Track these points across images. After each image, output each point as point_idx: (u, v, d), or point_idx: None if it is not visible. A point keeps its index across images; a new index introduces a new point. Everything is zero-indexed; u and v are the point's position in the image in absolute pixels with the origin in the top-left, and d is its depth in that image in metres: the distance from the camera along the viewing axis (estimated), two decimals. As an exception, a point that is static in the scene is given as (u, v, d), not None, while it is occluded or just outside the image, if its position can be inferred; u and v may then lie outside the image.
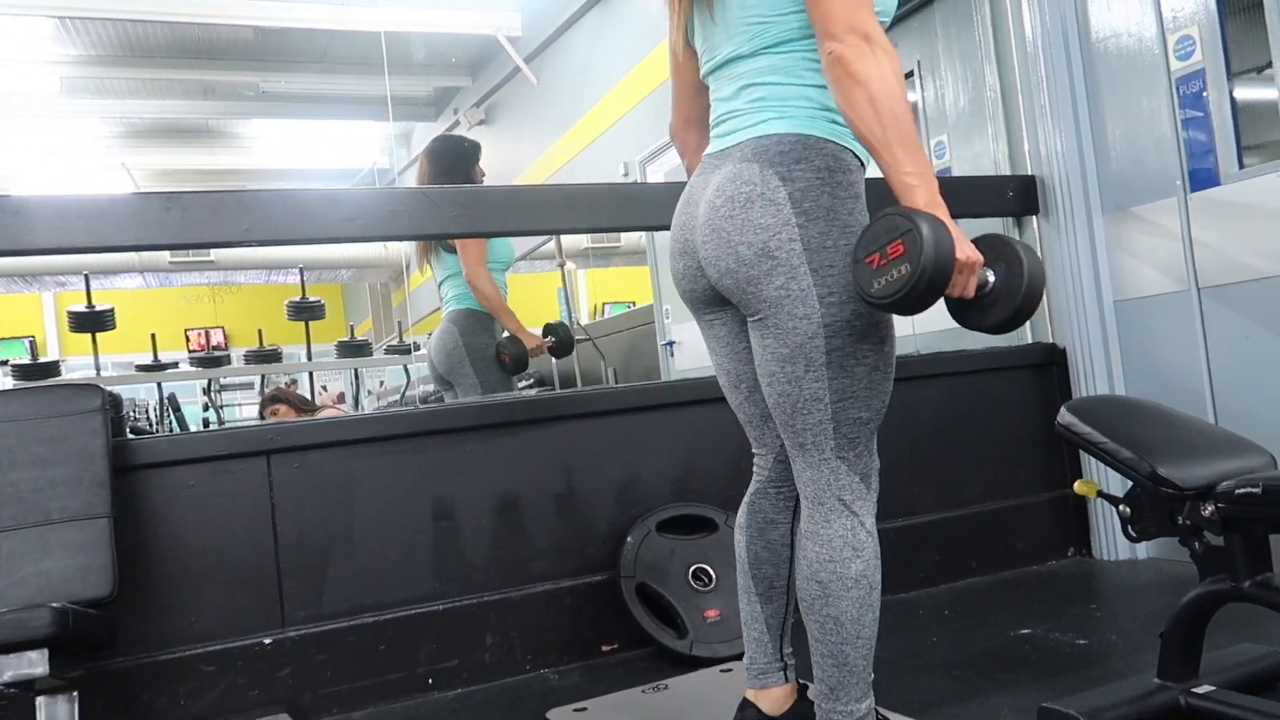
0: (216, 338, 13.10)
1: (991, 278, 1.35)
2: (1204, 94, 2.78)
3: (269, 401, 4.63)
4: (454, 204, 2.54)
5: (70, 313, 4.89)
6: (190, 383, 8.70)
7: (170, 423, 7.11)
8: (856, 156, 1.51)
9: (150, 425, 7.97)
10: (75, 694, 1.90)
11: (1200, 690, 1.70)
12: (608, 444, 2.64)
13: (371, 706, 2.32)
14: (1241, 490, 1.51)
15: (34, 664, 1.68)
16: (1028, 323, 3.29)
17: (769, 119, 1.49)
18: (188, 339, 13.61)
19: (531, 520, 2.55)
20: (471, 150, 3.45)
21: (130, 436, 2.96)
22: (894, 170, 1.33)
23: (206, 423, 7.64)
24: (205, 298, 15.85)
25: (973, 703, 1.94)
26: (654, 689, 2.22)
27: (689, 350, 6.10)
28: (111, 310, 4.97)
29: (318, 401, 7.04)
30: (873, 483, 1.55)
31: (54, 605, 1.72)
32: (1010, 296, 1.34)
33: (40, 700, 1.87)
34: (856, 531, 1.50)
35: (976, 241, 1.37)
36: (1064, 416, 1.81)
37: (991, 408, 3.16)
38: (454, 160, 3.35)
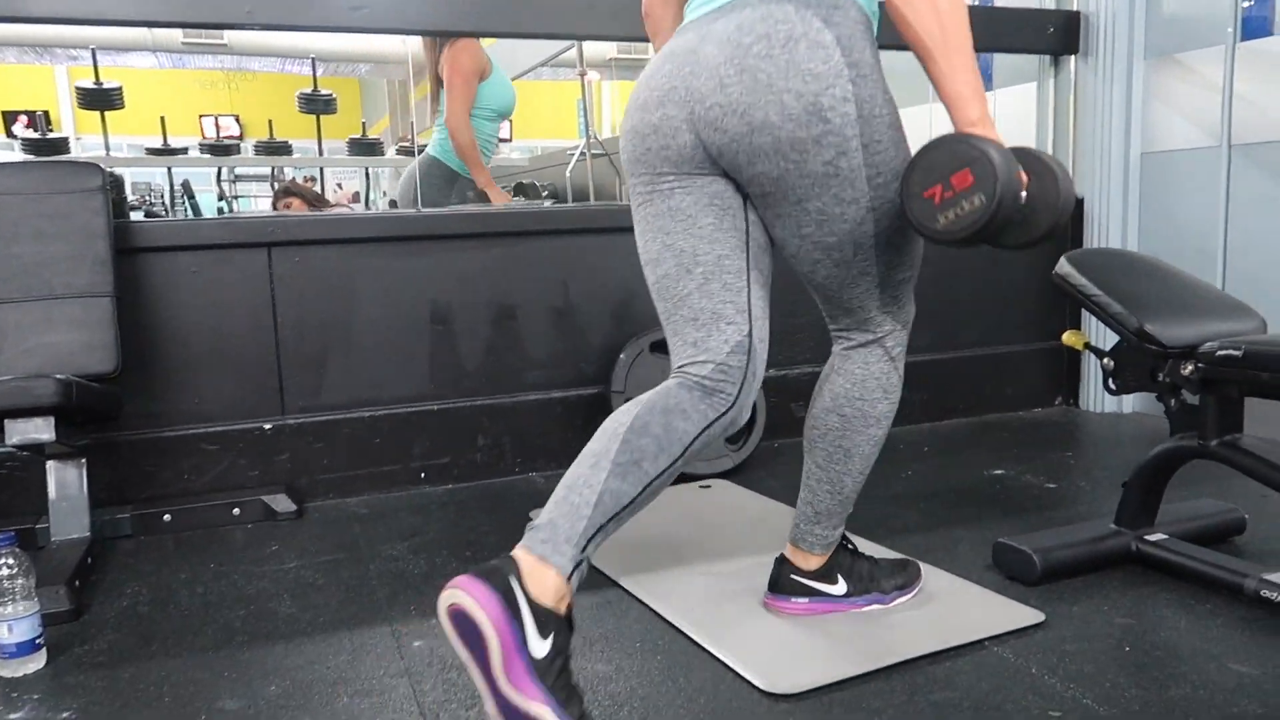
0: (227, 125, 12.85)
1: (1023, 193, 1.22)
2: (1273, -68, 2.59)
3: (281, 195, 4.62)
4: (464, -1, 2.44)
5: (78, 88, 4.78)
6: (205, 170, 8.64)
7: (184, 209, 7.12)
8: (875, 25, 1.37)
9: (165, 211, 7.98)
10: (84, 461, 2.00)
11: (1152, 538, 1.76)
12: (608, 261, 2.64)
13: (366, 494, 2.44)
14: (1223, 352, 1.51)
15: (40, 430, 1.76)
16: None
17: None
18: (201, 125, 13.37)
19: (527, 331, 2.59)
20: None
21: (142, 219, 2.97)
22: (948, 79, 1.24)
23: (221, 211, 7.64)
24: (220, 83, 15.44)
25: (934, 533, 2.02)
26: (634, 498, 2.32)
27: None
28: (119, 89, 4.85)
29: (332, 199, 7.00)
30: (909, 327, 1.53)
31: (59, 376, 1.78)
32: (1048, 210, 1.24)
33: (51, 464, 1.97)
34: (890, 376, 1.50)
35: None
36: (1062, 266, 1.80)
37: (997, 254, 3.09)
38: None
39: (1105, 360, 1.80)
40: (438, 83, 3.27)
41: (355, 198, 9.67)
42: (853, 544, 1.66)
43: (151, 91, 12.49)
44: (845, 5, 1.28)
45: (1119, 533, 1.79)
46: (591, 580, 1.82)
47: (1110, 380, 1.81)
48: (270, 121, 5.69)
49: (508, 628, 1.13)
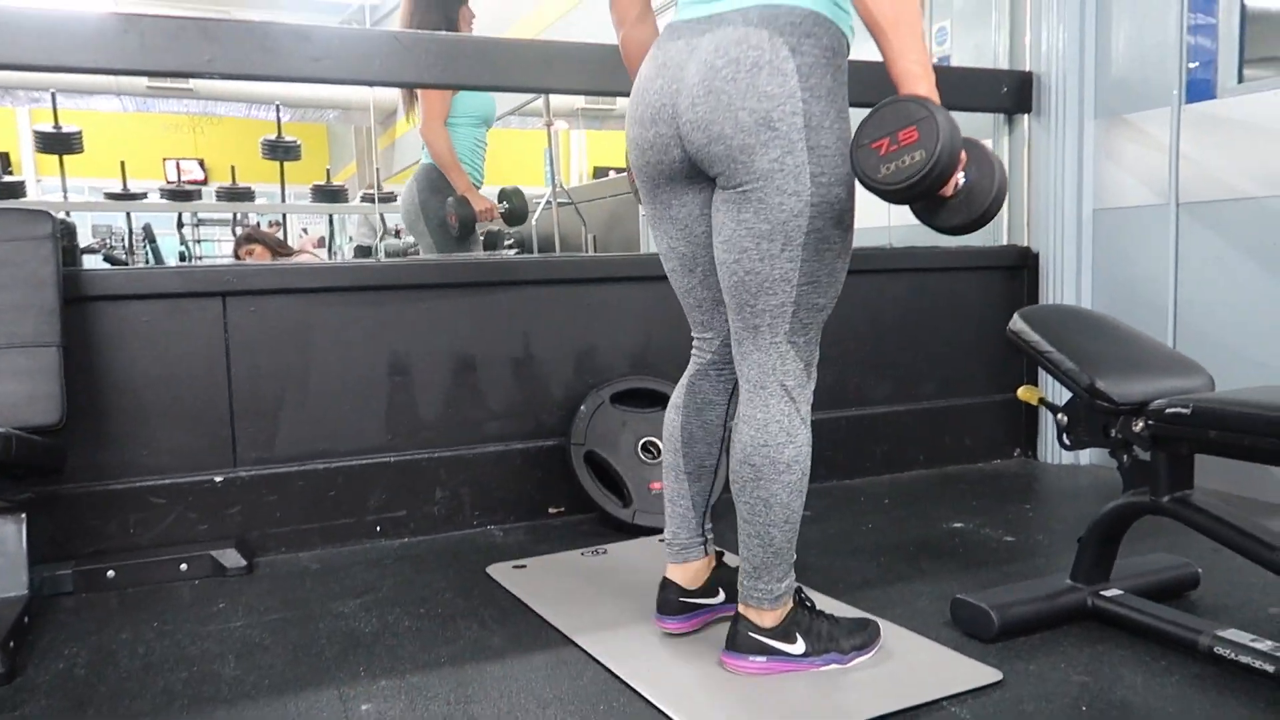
0: (191, 169, 12.79)
1: (963, 179, 1.35)
2: (1214, 1, 2.68)
3: (243, 241, 4.57)
4: (427, 51, 2.45)
5: (36, 132, 4.72)
6: (169, 214, 8.56)
7: (146, 254, 7.03)
8: (846, 37, 1.50)
9: (126, 255, 7.87)
10: (23, 515, 1.95)
11: (1108, 593, 1.77)
12: (569, 312, 2.64)
13: (319, 548, 2.39)
14: (1172, 410, 1.53)
15: (-22, 484, 1.71)
16: (1004, 225, 3.29)
17: None
18: (165, 169, 13.28)
19: (487, 382, 2.57)
20: None
21: (105, 267, 2.92)
22: (899, 55, 1.34)
23: (183, 256, 7.55)
24: (185, 127, 15.38)
25: (893, 588, 2.01)
26: (593, 552, 2.29)
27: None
28: (79, 133, 4.80)
29: (296, 245, 6.95)
30: (813, 372, 1.58)
31: (-1, 429, 1.73)
32: (981, 197, 1.34)
33: (-12, 519, 1.91)
34: (792, 418, 1.53)
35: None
36: (1015, 323, 1.82)
37: (957, 306, 3.17)
38: (437, 1, 3.19)
39: (1059, 416, 1.82)
40: (412, 95, 3.25)
41: (320, 243, 9.62)
42: (811, 601, 1.65)
43: (115, 134, 12.39)
44: (817, 33, 1.42)
45: (1075, 588, 1.79)
46: (547, 638, 1.79)
47: (1064, 435, 1.83)
48: (233, 167, 5.66)
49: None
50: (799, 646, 1.58)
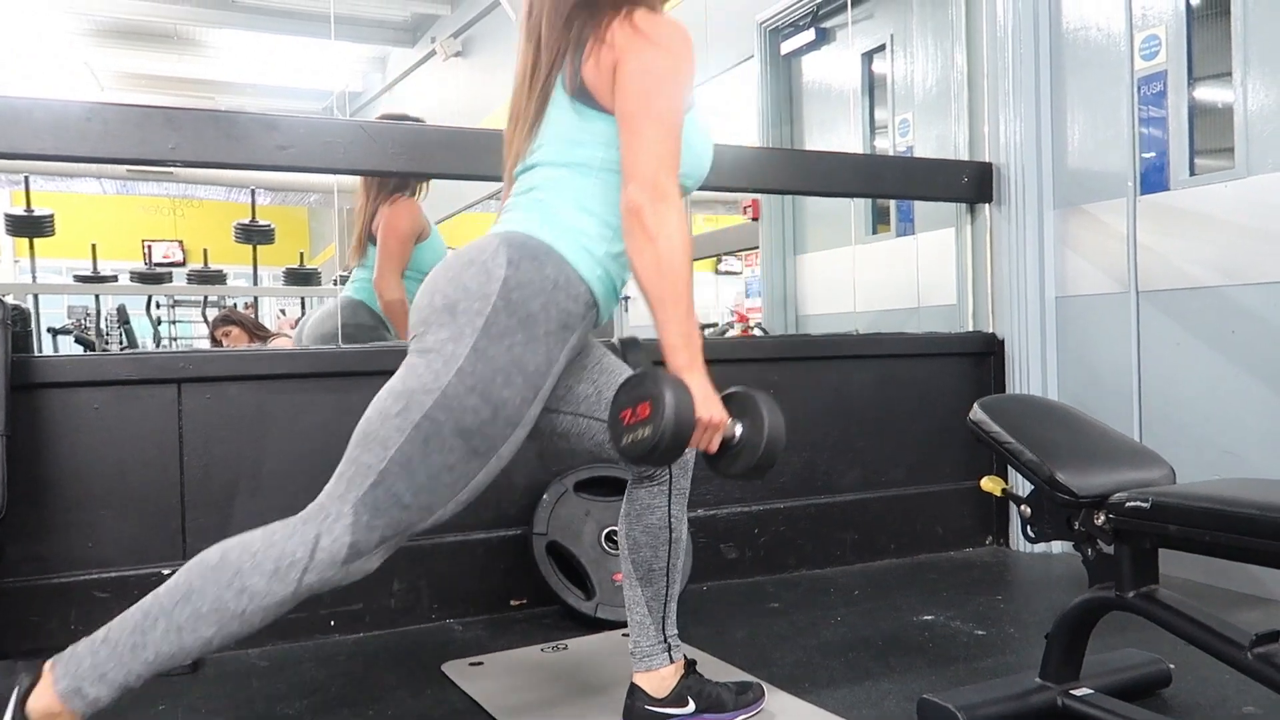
0: (171, 251, 12.81)
1: (739, 430, 1.46)
2: (1164, 96, 2.77)
3: (220, 323, 4.53)
4: (393, 140, 2.47)
5: (6, 215, 4.72)
6: (141, 296, 8.55)
7: (119, 337, 6.97)
8: (593, 297, 1.53)
9: (100, 338, 7.82)
10: (-46, 613, 1.86)
11: (1078, 693, 1.72)
12: (533, 399, 2.60)
13: (270, 644, 2.30)
14: (1132, 504, 1.51)
15: (-96, 582, 1.63)
16: (970, 311, 3.33)
17: (538, 221, 1.52)
18: (144, 251, 13.30)
19: (449, 470, 2.52)
20: None
21: (56, 353, 2.86)
22: (663, 327, 1.43)
23: (157, 339, 7.51)
24: (165, 209, 15.47)
25: (860, 686, 1.95)
26: (553, 648, 2.22)
27: (642, 304, 6.02)
28: (50, 216, 4.79)
29: (274, 327, 6.92)
30: (352, 565, 1.47)
31: (-70, 523, 1.66)
32: (752, 451, 1.44)
33: (-84, 617, 1.82)
34: (319, 543, 1.45)
35: (727, 398, 1.48)
36: (975, 413, 1.81)
37: (925, 393, 3.16)
38: None
39: (1023, 507, 1.79)
40: (368, 233, 3.07)
41: (296, 324, 9.60)
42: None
43: (95, 216, 12.43)
44: (544, 262, 1.47)
45: (1044, 687, 1.75)
46: (498, 743, 1.71)
47: (1028, 527, 1.80)
48: (205, 249, 5.66)
49: None
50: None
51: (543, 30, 1.57)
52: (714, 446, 1.46)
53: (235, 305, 9.00)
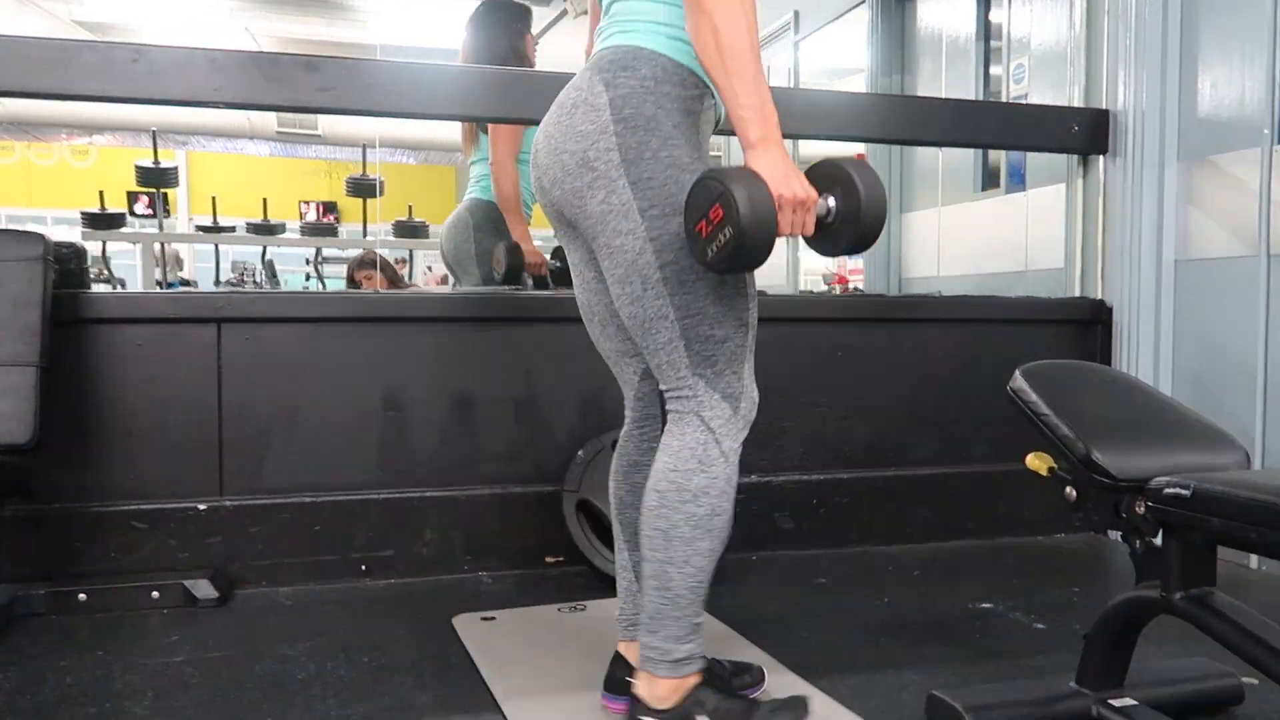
0: (285, 209, 13.44)
1: (832, 203, 1.32)
2: (1313, 28, 2.37)
3: (359, 265, 4.54)
4: (432, 81, 2.41)
5: (137, 166, 5.02)
6: (298, 251, 8.97)
7: (264, 286, 7.35)
8: (701, 80, 1.43)
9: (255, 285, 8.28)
10: (-10, 533, 1.95)
11: (1117, 703, 1.50)
12: (576, 352, 2.48)
13: (300, 584, 2.32)
14: (1170, 490, 1.28)
15: (-77, 499, 1.71)
16: (1077, 275, 3.01)
17: (615, 34, 1.46)
18: (300, 211, 14.01)
19: (486, 421, 2.47)
20: (517, 16, 3.19)
21: (104, 290, 2.99)
22: (731, 103, 1.32)
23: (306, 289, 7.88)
24: (322, 172, 16.26)
25: (880, 674, 1.78)
26: (571, 608, 2.14)
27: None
28: (175, 168, 5.08)
29: (420, 283, 7.05)
30: (741, 408, 1.45)
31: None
32: (851, 222, 1.30)
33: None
34: (709, 447, 1.41)
35: (812, 170, 1.35)
36: (1015, 380, 1.60)
37: (1018, 362, 2.86)
38: (497, 29, 3.11)
39: (1069, 490, 1.57)
40: (473, 131, 3.13)
41: (444, 280, 9.85)
42: (725, 681, 1.52)
43: (261, 177, 13.23)
44: (635, 65, 1.40)
45: (1079, 694, 1.53)
46: (476, 702, 1.65)
47: (1076, 513, 1.58)
48: (317, 204, 5.82)
49: None
50: None
51: None
52: (809, 227, 1.31)
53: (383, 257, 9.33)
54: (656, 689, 1.43)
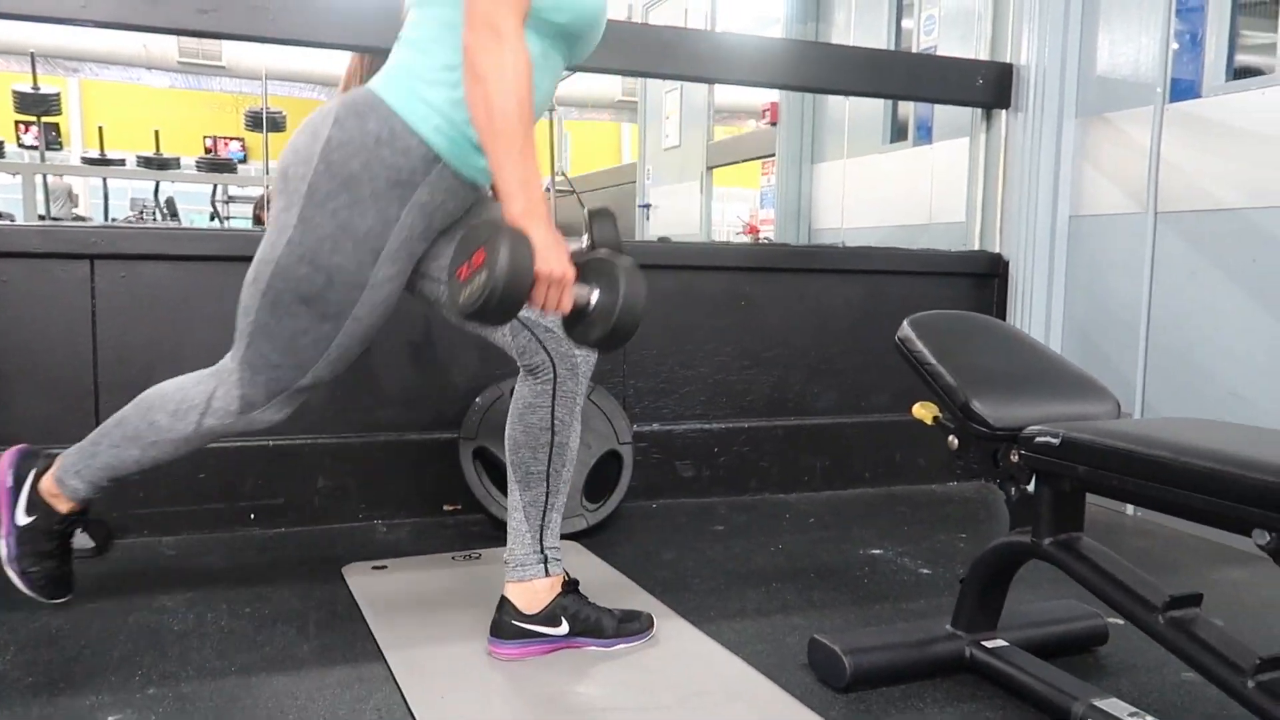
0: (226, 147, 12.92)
1: (595, 296, 1.33)
2: (1206, -9, 2.43)
3: (265, 204, 4.38)
4: (378, 16, 2.29)
5: (14, 91, 4.70)
6: (201, 188, 8.60)
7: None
8: (431, 150, 1.44)
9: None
10: None
11: (989, 644, 1.55)
12: (475, 297, 2.46)
13: (184, 533, 2.24)
14: (1041, 439, 1.31)
15: None
16: (977, 230, 3.06)
17: (379, 74, 1.49)
18: (205, 146, 13.44)
19: (383, 366, 2.41)
20: None
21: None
22: (497, 171, 1.34)
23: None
24: (230, 107, 15.59)
25: (768, 620, 1.81)
26: (465, 556, 2.12)
27: (664, 214, 5.84)
28: (56, 95, 4.76)
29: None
30: (251, 413, 1.60)
31: None
32: (605, 319, 1.31)
33: None
34: (215, 393, 1.60)
35: (585, 263, 1.35)
36: (903, 330, 1.61)
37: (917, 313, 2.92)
38: None
39: (951, 439, 1.60)
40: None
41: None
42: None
43: (159, 110, 12.57)
44: (366, 116, 1.42)
45: (954, 636, 1.58)
46: (360, 651, 1.62)
47: (958, 460, 1.61)
48: (212, 138, 5.57)
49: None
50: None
51: None
52: (564, 306, 1.32)
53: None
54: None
